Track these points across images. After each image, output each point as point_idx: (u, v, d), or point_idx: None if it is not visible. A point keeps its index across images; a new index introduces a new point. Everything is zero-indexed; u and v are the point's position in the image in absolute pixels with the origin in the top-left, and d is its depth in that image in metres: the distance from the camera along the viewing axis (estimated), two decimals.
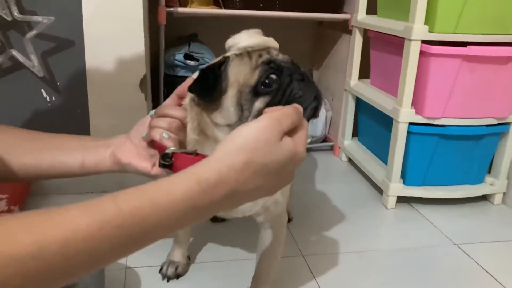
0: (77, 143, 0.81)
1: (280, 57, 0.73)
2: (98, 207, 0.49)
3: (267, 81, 0.69)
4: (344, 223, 1.39)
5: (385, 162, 1.59)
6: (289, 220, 1.35)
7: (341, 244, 1.27)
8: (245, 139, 0.55)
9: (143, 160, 0.76)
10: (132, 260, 1.14)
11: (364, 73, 1.78)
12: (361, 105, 1.76)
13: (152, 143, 0.76)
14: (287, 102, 0.68)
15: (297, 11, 1.72)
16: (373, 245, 1.28)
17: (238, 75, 0.71)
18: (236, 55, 0.73)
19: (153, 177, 0.75)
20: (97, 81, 1.38)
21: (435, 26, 1.29)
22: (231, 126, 0.71)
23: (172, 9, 1.61)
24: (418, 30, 1.29)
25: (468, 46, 1.29)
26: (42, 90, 1.37)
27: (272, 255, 0.96)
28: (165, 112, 0.77)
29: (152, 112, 0.78)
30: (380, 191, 1.55)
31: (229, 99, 0.71)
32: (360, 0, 1.65)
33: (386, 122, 1.54)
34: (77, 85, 1.38)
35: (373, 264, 1.20)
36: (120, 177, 1.47)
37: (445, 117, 1.37)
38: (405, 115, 1.37)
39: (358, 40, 1.70)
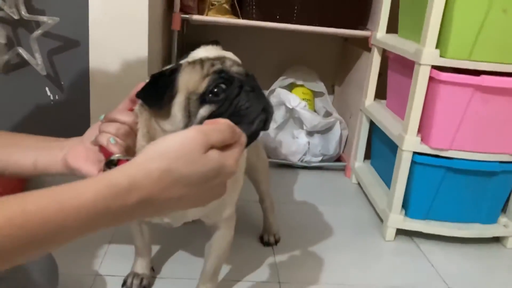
0: (33, 142, 0.81)
1: (234, 68, 0.73)
2: (5, 205, 0.48)
3: (215, 90, 0.70)
4: (336, 250, 1.31)
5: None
6: (276, 241, 1.31)
7: (325, 274, 1.20)
8: (168, 147, 0.55)
9: (90, 165, 0.75)
10: (105, 267, 1.13)
11: (383, 94, 1.69)
12: (375, 126, 1.68)
13: (99, 147, 0.76)
14: (234, 112, 0.70)
15: (315, 25, 1.66)
16: (360, 279, 1.20)
17: (188, 82, 0.72)
18: (189, 62, 0.73)
19: None
20: (100, 82, 1.39)
21: (448, 50, 1.20)
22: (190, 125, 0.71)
23: (187, 16, 1.60)
24: (428, 54, 1.20)
25: (481, 76, 1.19)
26: (46, 88, 1.39)
27: (218, 255, 0.96)
28: (114, 117, 0.77)
29: (102, 116, 0.78)
30: (382, 220, 1.47)
31: (177, 105, 0.71)
32: (381, 17, 1.58)
33: (395, 147, 1.45)
34: (80, 85, 1.40)
35: None
36: None
37: (453, 149, 1.27)
38: (409, 143, 1.28)
39: (376, 59, 1.62)
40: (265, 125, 0.72)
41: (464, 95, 1.21)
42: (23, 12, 1.27)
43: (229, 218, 0.93)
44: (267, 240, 1.30)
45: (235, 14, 1.71)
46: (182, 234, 1.30)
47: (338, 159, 1.92)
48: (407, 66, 1.40)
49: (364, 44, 1.77)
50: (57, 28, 1.31)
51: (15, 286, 0.78)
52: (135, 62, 1.38)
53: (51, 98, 1.40)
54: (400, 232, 1.40)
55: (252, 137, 0.72)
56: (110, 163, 0.71)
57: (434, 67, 1.22)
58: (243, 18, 1.68)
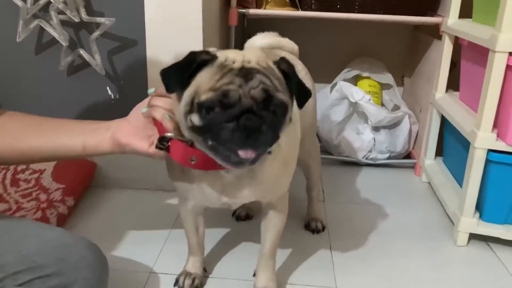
0: (78, 126, 0.87)
1: (248, 91, 0.69)
2: None
3: (210, 108, 0.69)
4: (400, 256, 1.22)
5: None
6: (323, 227, 1.31)
7: (387, 281, 1.11)
8: None
9: (140, 140, 0.80)
10: (159, 265, 1.13)
11: (456, 85, 1.55)
12: (447, 121, 1.54)
13: (153, 121, 0.79)
14: (211, 135, 0.70)
15: (379, 13, 1.56)
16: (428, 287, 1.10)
17: (201, 83, 0.71)
18: (220, 65, 0.72)
19: (151, 156, 0.80)
20: (158, 79, 1.39)
21: None
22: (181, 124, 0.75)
23: (244, 10, 1.57)
24: (505, 40, 1.07)
25: None
26: (108, 88, 1.43)
27: (276, 231, 0.99)
28: (164, 92, 0.77)
29: (151, 90, 0.82)
30: (453, 223, 1.34)
31: (184, 98, 0.73)
32: (452, 1, 1.44)
33: (467, 143, 1.32)
34: (139, 83, 1.41)
35: None
36: None
37: None
38: (483, 140, 1.16)
39: (447, 48, 1.49)
40: (239, 160, 0.70)
41: None
42: (83, 14, 1.30)
43: (283, 197, 0.97)
44: (315, 227, 1.30)
45: (294, 6, 1.65)
46: (233, 234, 1.28)
47: (407, 156, 1.80)
48: (483, 54, 1.27)
49: (435, 32, 1.63)
50: (115, 28, 1.33)
51: (64, 282, 0.79)
52: None
53: (112, 97, 1.44)
54: (474, 236, 1.27)
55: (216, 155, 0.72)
56: (163, 140, 0.76)
57: None
58: (302, 10, 1.62)
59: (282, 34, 1.94)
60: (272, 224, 0.98)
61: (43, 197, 1.29)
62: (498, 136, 1.15)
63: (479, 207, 1.24)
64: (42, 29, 1.35)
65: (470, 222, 1.23)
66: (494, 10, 1.20)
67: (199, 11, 1.33)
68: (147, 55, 1.38)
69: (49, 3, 1.29)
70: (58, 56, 1.36)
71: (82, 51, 1.35)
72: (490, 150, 1.17)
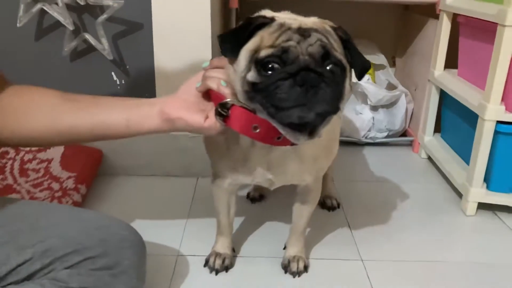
0: (119, 101, 0.82)
1: (305, 48, 0.69)
2: None
3: (267, 65, 0.69)
4: (414, 227, 1.26)
5: (468, 163, 1.43)
6: (338, 204, 1.34)
7: (407, 251, 1.16)
8: None
9: (194, 114, 0.76)
10: (185, 247, 1.13)
11: (451, 63, 1.60)
12: (446, 98, 1.59)
13: (207, 94, 0.76)
14: (268, 94, 0.68)
15: None
16: (444, 256, 1.15)
17: (262, 39, 0.71)
18: (279, 24, 0.72)
19: (205, 131, 0.76)
20: (164, 64, 1.38)
21: None
22: (239, 83, 0.72)
23: None
24: None
25: None
26: (113, 73, 1.40)
27: (308, 212, 1.03)
28: (221, 63, 0.76)
29: (206, 63, 0.79)
30: (460, 195, 1.39)
31: (244, 51, 0.71)
32: None
33: (472, 118, 1.37)
34: (146, 68, 1.39)
35: (442, 277, 1.07)
36: (185, 161, 1.48)
37: None
38: (492, 112, 1.20)
39: (445, 26, 1.53)
40: (300, 122, 0.68)
41: None
42: None
43: (318, 180, 1.00)
44: (331, 204, 1.33)
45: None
46: (253, 215, 1.29)
47: (404, 134, 1.85)
48: (485, 30, 1.31)
49: (429, 11, 1.67)
50: (120, 12, 1.30)
51: (110, 262, 0.78)
52: (199, 42, 1.36)
53: (118, 82, 1.41)
54: (481, 206, 1.32)
55: (275, 119, 0.70)
56: (224, 106, 0.72)
57: None
58: None
59: None
60: (306, 206, 1.02)
61: (55, 186, 1.26)
62: (506, 108, 1.20)
63: (486, 177, 1.30)
64: (42, 13, 1.31)
65: (479, 192, 1.29)
66: None
67: None
68: (154, 39, 1.36)
69: None
70: (60, 41, 1.32)
71: (87, 36, 1.31)
72: (498, 122, 1.22)
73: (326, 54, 0.70)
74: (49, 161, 1.33)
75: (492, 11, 1.20)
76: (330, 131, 0.89)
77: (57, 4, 1.26)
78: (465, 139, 1.46)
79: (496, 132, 1.23)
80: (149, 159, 1.48)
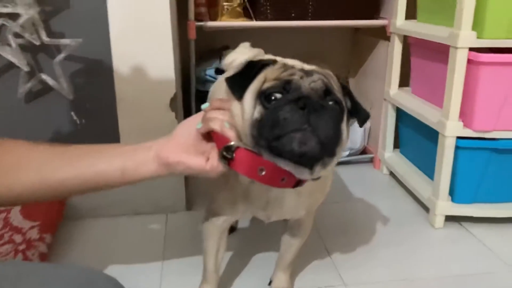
0: (112, 148, 0.78)
1: (308, 83, 0.71)
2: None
3: (269, 96, 0.70)
4: (390, 244, 1.29)
5: (430, 176, 1.49)
6: None
7: (387, 270, 1.18)
8: None
9: (194, 156, 0.73)
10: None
11: (403, 81, 1.68)
12: (402, 115, 1.66)
13: (206, 136, 0.74)
14: (273, 121, 0.68)
15: (331, 19, 1.64)
16: (423, 272, 1.18)
17: (265, 76, 0.73)
18: (282, 65, 0.75)
19: (207, 174, 0.73)
20: (127, 101, 1.35)
21: (484, 32, 1.19)
22: (247, 125, 0.71)
23: (202, 23, 1.56)
24: (466, 37, 1.19)
25: None
26: (72, 113, 1.34)
27: (298, 246, 1.03)
28: (222, 105, 0.75)
29: (206, 105, 0.76)
30: (426, 208, 1.45)
31: (250, 92, 0.72)
32: (399, 5, 1.56)
33: (430, 133, 1.44)
34: (107, 107, 1.35)
35: None
36: (153, 197, 1.44)
37: (497, 130, 1.26)
38: (452, 128, 1.27)
39: (397, 47, 1.60)
40: (302, 149, 0.67)
41: (506, 74, 1.20)
42: (44, 36, 1.21)
43: (311, 214, 1.00)
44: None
45: (247, 16, 1.67)
46: (240, 245, 1.27)
47: (363, 151, 1.90)
48: (436, 51, 1.39)
49: (379, 33, 1.75)
50: (79, 50, 1.26)
51: None
52: (162, 75, 1.34)
53: (78, 122, 1.35)
54: (447, 218, 1.38)
55: (277, 153, 0.69)
56: (228, 150, 0.70)
57: (471, 49, 1.21)
58: (256, 20, 1.65)
59: (235, 43, 1.96)
60: (296, 239, 1.01)
61: (18, 238, 1.17)
62: (464, 124, 1.27)
63: (450, 190, 1.35)
64: None
65: (445, 205, 1.34)
66: (443, 10, 1.33)
67: (167, 24, 1.30)
68: (114, 76, 1.32)
69: (2, 25, 1.19)
70: (14, 83, 1.26)
71: (44, 76, 1.25)
72: (458, 138, 1.28)
73: (328, 91, 0.71)
74: (8, 211, 1.25)
75: (443, 34, 1.27)
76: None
77: (9, 45, 1.20)
78: (424, 153, 1.52)
79: (457, 147, 1.29)
80: (115, 197, 1.43)
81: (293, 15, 1.62)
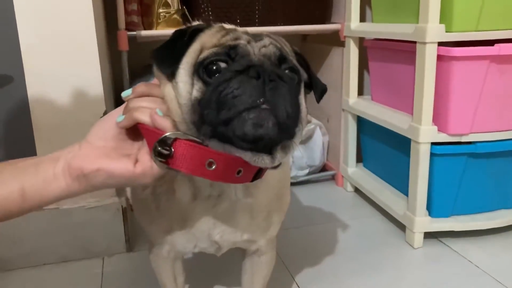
0: (8, 166, 0.59)
1: (259, 48, 0.57)
2: None
3: (211, 67, 0.55)
4: (365, 270, 1.13)
5: (401, 190, 1.35)
6: None
7: None
8: None
9: (118, 160, 0.56)
10: None
11: (359, 90, 1.55)
12: (363, 125, 1.52)
13: (133, 134, 0.58)
14: (218, 102, 0.53)
15: (280, 25, 1.49)
16: None
17: (202, 43, 0.58)
18: (220, 27, 0.61)
19: (139, 179, 0.57)
20: (45, 123, 1.11)
21: (453, 24, 1.07)
22: (186, 110, 0.56)
23: (134, 33, 1.36)
24: (434, 31, 1.07)
25: (495, 45, 1.07)
26: None
27: (264, 281, 0.85)
28: (149, 90, 0.59)
29: (128, 92, 0.58)
30: (400, 225, 1.30)
31: (182, 67, 0.57)
32: (352, 6, 1.43)
33: (397, 142, 1.30)
34: (22, 133, 1.11)
35: None
36: (84, 239, 1.19)
37: (473, 133, 1.13)
38: (426, 134, 1.13)
39: (353, 52, 1.47)
40: (257, 133, 0.53)
41: (479, 69, 1.08)
42: None
43: (272, 242, 0.81)
44: None
45: (187, 24, 1.49)
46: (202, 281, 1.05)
47: (323, 168, 1.75)
48: (398, 51, 1.27)
49: (330, 40, 1.62)
50: None
51: None
52: (88, 92, 1.12)
53: None
54: (425, 235, 1.23)
55: (226, 140, 0.54)
56: (164, 143, 0.54)
57: (440, 44, 1.09)
58: None
59: None
60: (258, 276, 0.84)
61: None
62: (438, 129, 1.14)
63: (426, 205, 1.21)
64: None
65: (423, 221, 1.20)
66: (401, 8, 1.21)
67: (92, 33, 1.09)
68: (29, 94, 1.09)
69: None
70: None
71: None
72: (432, 144, 1.15)
73: (282, 57, 0.57)
74: None
75: (407, 30, 1.14)
76: (281, 178, 0.75)
77: None
78: (392, 165, 1.39)
79: (432, 155, 1.15)
80: (35, 244, 1.17)
81: (238, 21, 1.46)
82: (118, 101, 1.47)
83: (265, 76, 0.53)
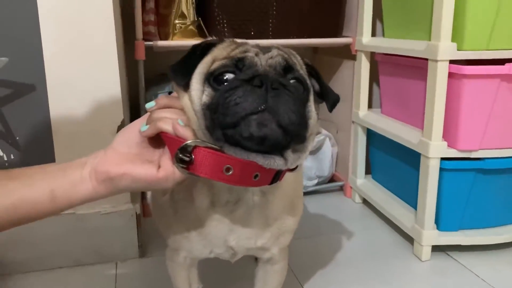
0: (38, 169, 0.64)
1: (265, 60, 0.61)
2: None
3: (220, 77, 0.60)
4: (375, 282, 1.14)
5: (409, 202, 1.37)
6: None
7: None
8: None
9: (141, 166, 0.61)
10: None
11: (368, 102, 1.58)
12: (373, 138, 1.55)
13: (155, 142, 0.62)
14: (224, 107, 0.57)
15: (293, 37, 1.52)
16: None
17: (214, 56, 0.63)
18: (231, 41, 0.66)
19: (161, 183, 0.61)
20: (65, 132, 1.14)
21: (464, 42, 1.10)
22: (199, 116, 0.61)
23: (151, 43, 1.40)
24: (446, 49, 1.09)
25: (506, 64, 1.09)
26: None
27: None
28: (171, 102, 0.63)
29: (152, 103, 0.63)
30: (408, 238, 1.32)
31: (196, 76, 0.62)
32: (364, 21, 1.46)
33: (406, 156, 1.33)
34: (41, 139, 1.14)
35: None
36: (98, 244, 1.22)
37: (483, 149, 1.16)
38: (436, 149, 1.15)
39: (364, 66, 1.50)
40: (260, 134, 0.56)
41: (490, 88, 1.10)
42: None
43: (285, 248, 0.84)
44: None
45: (202, 35, 1.53)
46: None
47: (331, 179, 1.77)
48: (409, 66, 1.29)
49: (341, 53, 1.65)
50: (4, 72, 1.06)
51: None
52: (107, 101, 1.15)
53: (5, 158, 1.13)
54: (433, 248, 1.25)
55: (235, 143, 0.58)
56: (185, 151, 0.58)
57: (451, 62, 1.11)
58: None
59: None
60: (272, 284, 0.87)
61: None
62: (448, 144, 1.16)
63: (434, 218, 1.23)
64: None
65: (432, 235, 1.22)
66: (413, 24, 1.24)
67: (112, 44, 1.13)
68: (50, 103, 1.12)
69: None
70: None
71: None
72: (442, 159, 1.17)
73: (289, 67, 0.61)
74: None
75: (419, 47, 1.17)
76: (295, 188, 0.79)
77: None
78: (401, 177, 1.41)
79: (441, 169, 1.18)
80: (51, 248, 1.20)
81: (252, 33, 1.49)
82: (132, 109, 1.50)
83: (268, 84, 0.57)
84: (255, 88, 0.57)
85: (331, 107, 0.69)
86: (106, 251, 1.23)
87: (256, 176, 0.60)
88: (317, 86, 0.68)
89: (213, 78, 0.60)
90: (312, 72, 0.67)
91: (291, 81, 0.61)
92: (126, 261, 1.23)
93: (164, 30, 1.49)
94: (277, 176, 0.63)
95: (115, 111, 1.16)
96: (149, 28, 1.45)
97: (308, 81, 0.65)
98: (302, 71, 0.65)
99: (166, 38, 1.48)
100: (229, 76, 0.60)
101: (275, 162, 0.59)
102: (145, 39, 1.40)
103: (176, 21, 1.47)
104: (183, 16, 1.48)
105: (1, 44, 1.06)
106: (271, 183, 0.63)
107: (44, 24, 1.07)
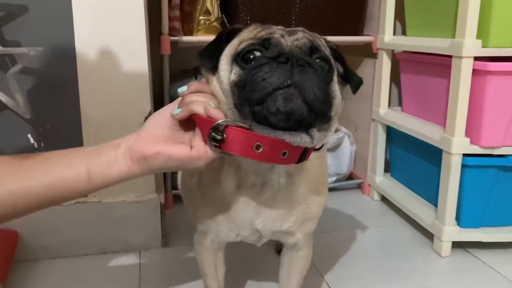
0: (74, 151, 0.68)
1: (291, 41, 0.63)
2: None
3: (247, 56, 0.63)
4: (395, 277, 1.15)
5: (429, 199, 1.38)
6: None
7: None
8: None
9: (174, 145, 0.63)
10: None
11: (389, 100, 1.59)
12: (392, 135, 1.56)
13: (186, 125, 0.65)
14: (252, 83, 0.60)
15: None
16: None
17: (241, 38, 0.66)
18: (257, 25, 0.68)
19: (194, 162, 0.63)
20: (94, 121, 1.17)
21: (489, 40, 1.11)
22: (228, 95, 0.64)
23: (176, 38, 1.43)
24: (471, 46, 1.10)
25: None
26: (29, 135, 1.15)
27: (302, 276, 0.89)
28: (201, 87, 0.66)
29: (184, 88, 0.66)
30: (427, 234, 1.33)
31: (224, 57, 0.65)
32: (386, 20, 1.48)
33: (426, 153, 1.34)
34: (71, 128, 1.17)
35: None
36: (122, 233, 1.25)
37: (505, 146, 1.16)
38: (458, 145, 1.16)
39: (386, 64, 1.51)
40: (287, 108, 0.58)
41: None
42: None
43: (309, 237, 0.86)
44: None
45: None
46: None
47: (350, 176, 1.78)
48: (431, 64, 1.31)
49: (362, 51, 1.66)
50: (38, 62, 1.09)
51: None
52: (136, 92, 1.18)
53: (35, 146, 1.16)
54: (453, 245, 1.26)
55: (262, 119, 0.61)
56: (217, 130, 0.61)
57: (475, 58, 1.12)
58: None
59: None
60: (295, 271, 0.89)
61: None
62: (471, 141, 1.17)
63: (456, 214, 1.24)
64: None
65: (452, 231, 1.22)
66: (436, 22, 1.25)
67: (142, 37, 1.15)
68: (80, 93, 1.15)
69: None
70: None
71: None
72: (464, 155, 1.18)
73: (314, 48, 0.63)
74: None
75: (442, 44, 1.18)
76: (320, 173, 0.81)
77: None
78: (421, 174, 1.42)
79: (463, 166, 1.18)
80: (77, 235, 1.22)
81: None
82: (156, 103, 1.53)
83: (294, 61, 0.59)
84: (281, 64, 0.59)
85: (355, 89, 0.71)
86: (130, 239, 1.25)
87: (284, 153, 0.63)
88: (341, 69, 0.70)
89: (240, 58, 0.63)
90: (336, 55, 0.69)
91: (316, 60, 0.64)
92: (149, 250, 1.26)
93: (188, 26, 1.51)
94: (303, 155, 0.66)
95: (143, 102, 1.19)
96: (174, 23, 1.48)
97: (333, 62, 0.67)
98: (327, 52, 0.67)
99: (190, 34, 1.50)
100: (256, 55, 0.62)
101: (301, 140, 0.62)
102: (170, 34, 1.43)
103: (201, 17, 1.49)
104: (207, 12, 1.50)
105: (37, 35, 1.09)
106: (298, 162, 0.66)
107: (77, 16, 1.11)
